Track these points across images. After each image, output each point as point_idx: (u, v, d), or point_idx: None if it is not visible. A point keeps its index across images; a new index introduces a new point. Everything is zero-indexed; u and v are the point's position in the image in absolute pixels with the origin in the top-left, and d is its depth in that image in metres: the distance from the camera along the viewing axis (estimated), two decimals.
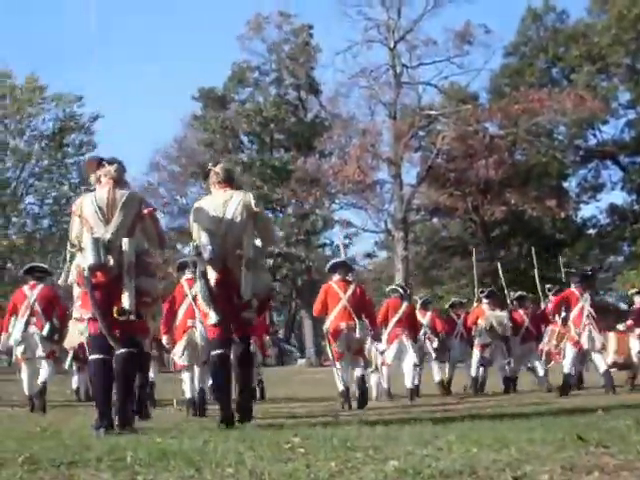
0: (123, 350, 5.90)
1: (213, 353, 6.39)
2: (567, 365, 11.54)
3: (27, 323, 10.16)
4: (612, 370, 12.17)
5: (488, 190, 37.02)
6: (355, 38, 35.22)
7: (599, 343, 11.47)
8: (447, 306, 16.12)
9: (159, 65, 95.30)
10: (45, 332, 9.92)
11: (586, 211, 44.00)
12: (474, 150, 34.95)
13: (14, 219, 38.84)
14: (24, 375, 10.46)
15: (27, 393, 10.40)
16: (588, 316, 11.37)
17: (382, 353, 11.86)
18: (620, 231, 41.79)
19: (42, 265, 12.02)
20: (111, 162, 6.18)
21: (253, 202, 6.51)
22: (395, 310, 12.07)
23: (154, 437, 5.56)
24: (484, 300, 14.21)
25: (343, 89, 35.90)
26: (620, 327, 13.19)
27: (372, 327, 10.25)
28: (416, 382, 12.02)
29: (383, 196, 37.10)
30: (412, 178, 37.87)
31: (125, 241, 5.91)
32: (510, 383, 13.36)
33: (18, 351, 10.36)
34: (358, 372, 9.77)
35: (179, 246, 46.73)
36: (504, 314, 13.66)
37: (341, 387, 9.72)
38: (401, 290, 12.76)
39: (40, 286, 10.43)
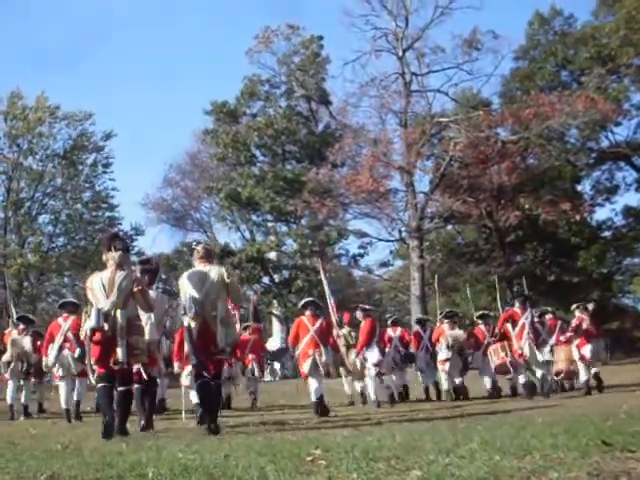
0: (121, 388, 8.12)
1: (197, 382, 8.50)
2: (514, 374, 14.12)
3: (60, 348, 12.60)
4: (558, 377, 15.16)
5: (502, 195, 36.90)
6: (364, 48, 35.33)
7: (539, 356, 13.66)
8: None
9: (171, 81, 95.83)
10: (77, 354, 11.02)
11: (601, 214, 43.72)
12: (486, 156, 34.85)
13: (29, 238, 39.06)
14: (62, 391, 12.64)
15: (64, 406, 12.51)
16: (528, 332, 13.59)
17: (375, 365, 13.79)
18: (636, 233, 41.46)
19: (73, 300, 15.00)
20: (118, 247, 8.37)
21: (226, 275, 8.62)
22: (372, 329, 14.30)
23: (175, 452, 5.56)
24: (445, 320, 16.45)
25: (353, 99, 35.95)
26: (562, 338, 15.22)
27: (335, 352, 13.27)
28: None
29: (396, 205, 37.01)
30: (425, 186, 37.85)
31: (118, 312, 8.00)
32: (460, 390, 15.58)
33: (54, 371, 12.93)
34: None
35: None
36: (460, 332, 16.08)
37: (315, 397, 11.83)
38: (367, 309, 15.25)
39: (72, 317, 12.87)
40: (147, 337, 8.91)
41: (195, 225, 51.17)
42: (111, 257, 8.28)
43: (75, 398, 12.64)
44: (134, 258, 14.37)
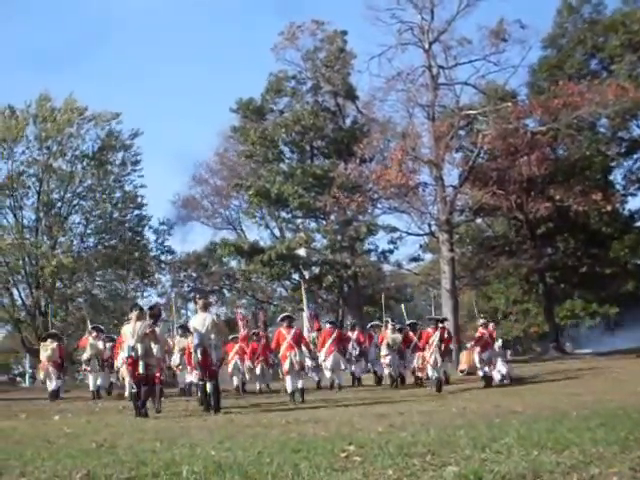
0: (145, 387, 13.35)
1: (200, 382, 14.46)
2: (430, 372, 19.35)
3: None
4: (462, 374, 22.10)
5: (531, 187, 36.56)
6: (389, 42, 35.01)
7: (443, 362, 19.38)
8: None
9: (200, 78, 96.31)
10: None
11: (633, 203, 43.21)
12: (515, 148, 34.48)
13: (61, 239, 39.40)
14: (90, 381, 21.96)
15: (92, 388, 21.53)
16: (436, 345, 18.97)
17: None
18: None
19: (100, 326, 24.16)
20: (135, 307, 14.62)
21: (215, 318, 14.39)
22: (330, 335, 20.83)
23: (209, 450, 5.55)
24: (389, 325, 22.22)
25: (380, 93, 35.67)
26: (467, 346, 21.95)
27: (309, 352, 18.67)
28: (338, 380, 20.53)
29: (426, 198, 36.73)
30: (454, 179, 37.53)
31: (138, 345, 13.36)
32: (397, 379, 21.52)
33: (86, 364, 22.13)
34: (299, 384, 16.15)
35: (225, 259, 46.95)
36: (399, 336, 21.72)
37: (290, 391, 16.19)
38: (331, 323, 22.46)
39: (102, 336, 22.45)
40: (157, 356, 14.15)
41: (224, 223, 51.31)
42: (133, 315, 13.90)
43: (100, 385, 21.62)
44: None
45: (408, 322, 23.12)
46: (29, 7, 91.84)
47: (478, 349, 20.54)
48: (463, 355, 23.58)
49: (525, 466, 3.63)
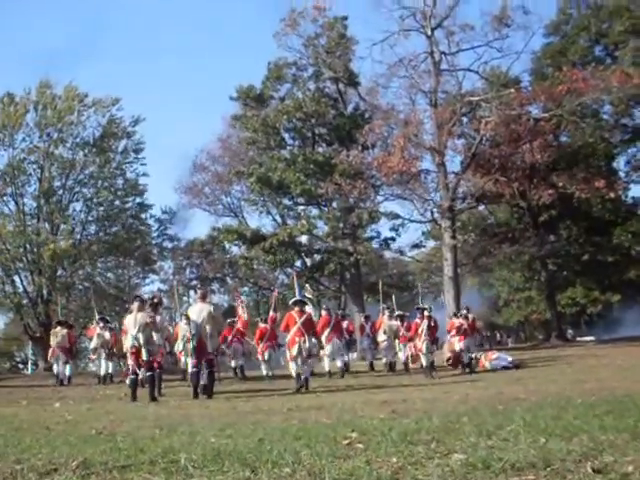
0: (148, 373, 14.19)
1: (194, 370, 14.64)
2: (423, 360, 19.73)
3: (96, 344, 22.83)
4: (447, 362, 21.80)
5: (534, 174, 36.43)
6: (391, 28, 34.86)
7: (434, 348, 20.10)
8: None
9: (200, 66, 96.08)
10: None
11: (636, 190, 43.17)
12: (518, 134, 34.37)
13: (62, 226, 39.30)
14: (97, 366, 23.47)
15: (99, 374, 22.75)
16: (425, 334, 19.53)
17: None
18: None
19: (106, 317, 24.64)
20: (137, 297, 15.60)
21: (212, 310, 15.06)
22: (327, 323, 21.14)
23: (208, 437, 5.47)
24: (386, 312, 23.67)
25: (382, 80, 35.55)
26: (448, 336, 22.31)
27: (317, 340, 17.34)
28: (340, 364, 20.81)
29: (428, 185, 36.67)
30: (456, 166, 37.46)
31: (139, 334, 14.18)
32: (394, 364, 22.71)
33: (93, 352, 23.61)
34: (307, 372, 15.96)
35: (227, 245, 46.93)
36: (396, 323, 22.63)
37: (295, 377, 15.72)
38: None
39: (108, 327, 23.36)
40: (157, 343, 14.90)
41: (226, 210, 51.20)
42: (134, 306, 14.78)
43: (107, 371, 22.66)
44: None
45: (397, 313, 23.66)
46: (29, 5, 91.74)
47: (458, 338, 21.48)
48: (446, 345, 24.07)
49: (534, 454, 3.53)
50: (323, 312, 22.19)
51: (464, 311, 23.45)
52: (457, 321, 22.08)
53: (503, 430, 4.61)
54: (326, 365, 20.87)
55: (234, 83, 52.22)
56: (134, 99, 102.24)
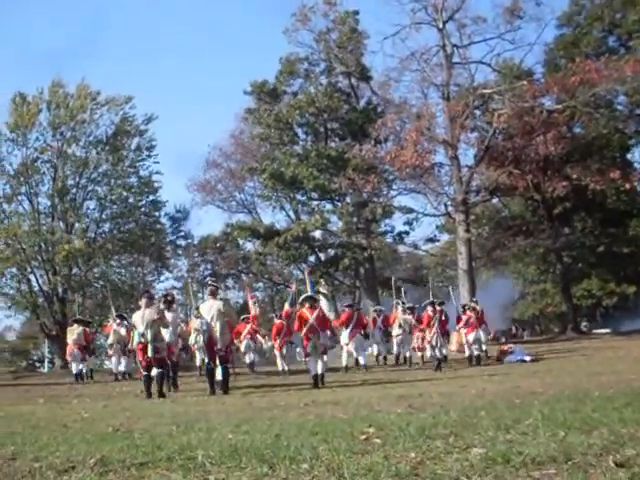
0: (157, 370, 14.15)
1: (208, 367, 14.76)
2: (429, 352, 20.33)
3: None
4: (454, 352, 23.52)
5: (548, 166, 36.25)
6: (403, 21, 34.79)
7: (444, 341, 20.53)
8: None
9: (211, 62, 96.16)
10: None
11: None
12: (531, 126, 34.18)
13: (76, 225, 39.45)
14: (114, 364, 23.39)
15: (115, 371, 23.03)
16: (436, 326, 19.72)
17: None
18: None
19: (123, 314, 23.46)
20: (145, 294, 15.33)
21: (222, 307, 14.86)
22: (350, 318, 21.16)
23: (225, 433, 5.47)
24: (399, 307, 23.43)
25: (394, 74, 35.50)
26: (457, 328, 23.33)
27: (332, 335, 17.46)
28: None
29: (441, 179, 36.55)
30: (470, 159, 37.33)
31: (147, 331, 14.10)
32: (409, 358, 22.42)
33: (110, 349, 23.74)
34: (320, 369, 15.46)
35: (240, 242, 46.98)
36: (409, 317, 22.61)
37: (312, 374, 15.35)
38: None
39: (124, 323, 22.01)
40: (167, 339, 15.21)
41: (239, 206, 51.27)
42: (142, 302, 14.64)
43: (123, 369, 22.92)
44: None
45: (407, 305, 23.66)
46: (29, 5, 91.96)
47: (465, 331, 21.88)
48: (454, 337, 24.84)
49: (555, 447, 3.49)
50: (346, 308, 22.39)
51: (472, 303, 23.65)
52: (467, 314, 22.32)
53: (521, 424, 4.58)
54: (344, 360, 20.91)
55: (239, 80, 52.11)
56: (140, 98, 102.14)
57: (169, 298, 18.07)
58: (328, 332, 16.63)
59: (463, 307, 24.07)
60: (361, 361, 20.85)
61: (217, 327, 14.46)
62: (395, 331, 23.12)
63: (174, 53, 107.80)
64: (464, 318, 22.29)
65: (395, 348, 23.28)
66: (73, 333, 23.56)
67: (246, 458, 4.02)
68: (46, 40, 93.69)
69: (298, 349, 21.36)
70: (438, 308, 20.31)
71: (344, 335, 21.14)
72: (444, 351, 20.48)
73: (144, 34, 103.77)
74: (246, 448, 4.40)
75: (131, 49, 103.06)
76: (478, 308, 22.66)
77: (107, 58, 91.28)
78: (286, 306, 22.06)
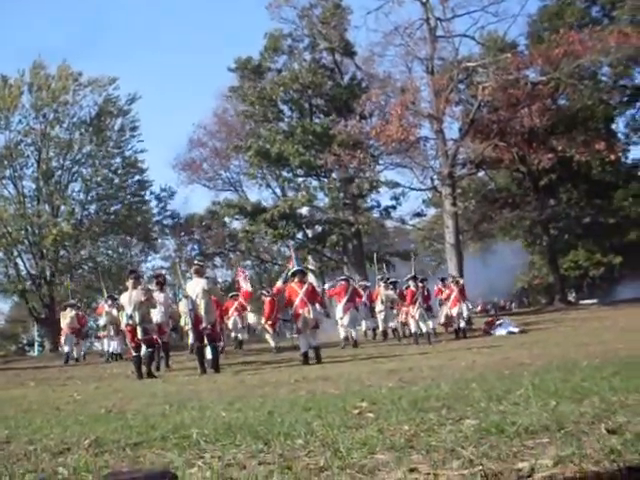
0: (144, 350, 14.29)
1: (197, 345, 14.73)
2: (413, 326, 20.32)
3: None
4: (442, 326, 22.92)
5: (533, 138, 36.26)
6: None
7: (428, 315, 20.40)
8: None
9: (194, 41, 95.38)
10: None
11: (636, 152, 42.99)
12: (516, 99, 34.13)
13: (62, 207, 39.27)
14: (105, 345, 23.83)
15: (109, 351, 23.10)
16: (419, 302, 19.99)
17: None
18: None
19: (114, 295, 21.96)
20: (132, 273, 15.95)
21: (206, 285, 14.73)
22: (345, 291, 21.36)
23: (219, 411, 5.50)
24: (381, 283, 23.46)
25: (378, 48, 35.29)
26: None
27: (323, 309, 16.63)
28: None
29: (427, 153, 36.56)
30: (455, 132, 37.32)
31: (135, 313, 14.31)
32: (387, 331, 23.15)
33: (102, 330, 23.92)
34: (313, 342, 15.26)
35: (227, 220, 46.89)
36: (392, 292, 22.80)
37: (303, 350, 15.13)
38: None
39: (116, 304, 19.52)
40: (159, 320, 15.88)
41: (226, 184, 51.08)
42: (129, 283, 14.86)
43: (116, 350, 22.90)
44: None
45: (390, 280, 24.02)
46: (29, 5, 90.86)
47: (449, 304, 22.38)
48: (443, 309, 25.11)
49: (547, 417, 3.54)
50: (342, 282, 22.37)
51: (455, 278, 24.23)
52: (450, 287, 22.95)
53: (513, 394, 4.63)
54: (342, 333, 21.24)
55: (230, 56, 51.64)
56: (129, 77, 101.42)
57: (160, 279, 18.25)
58: (318, 306, 16.14)
59: (442, 280, 24.58)
60: (353, 335, 20.99)
61: (202, 305, 14.36)
62: (378, 307, 23.30)
63: (174, 52, 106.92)
64: (446, 292, 22.95)
65: (381, 324, 23.44)
66: (66, 317, 23.92)
67: (240, 435, 4.04)
68: (46, 40, 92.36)
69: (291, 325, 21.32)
70: (420, 284, 20.60)
71: (338, 308, 21.29)
72: (431, 324, 20.46)
73: (144, 34, 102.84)
74: (240, 425, 4.42)
75: (131, 49, 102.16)
76: (461, 282, 23.25)
77: (107, 58, 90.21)
78: (278, 283, 21.65)
